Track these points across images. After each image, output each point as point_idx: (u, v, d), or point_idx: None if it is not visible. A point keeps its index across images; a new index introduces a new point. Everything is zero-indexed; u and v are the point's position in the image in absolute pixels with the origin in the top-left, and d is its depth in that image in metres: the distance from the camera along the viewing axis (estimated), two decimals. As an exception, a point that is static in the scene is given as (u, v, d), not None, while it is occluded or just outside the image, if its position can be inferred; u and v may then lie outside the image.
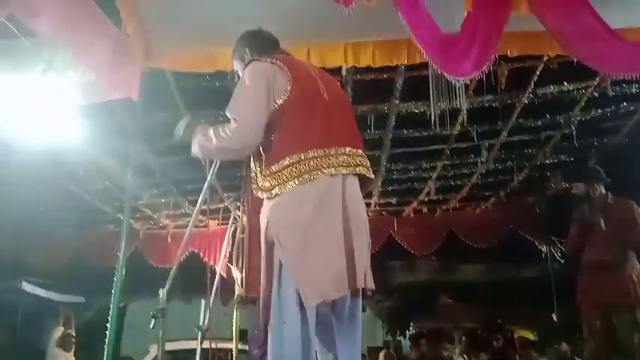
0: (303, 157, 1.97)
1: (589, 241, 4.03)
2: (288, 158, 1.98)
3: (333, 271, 1.91)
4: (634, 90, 4.94)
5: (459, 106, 4.02)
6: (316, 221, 1.93)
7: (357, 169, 2.06)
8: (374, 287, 2.06)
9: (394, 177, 7.00)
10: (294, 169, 1.96)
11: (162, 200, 7.41)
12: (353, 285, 1.94)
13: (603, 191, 4.22)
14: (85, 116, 4.16)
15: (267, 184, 2.01)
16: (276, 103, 2.05)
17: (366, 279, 1.99)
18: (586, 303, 3.94)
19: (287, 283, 1.91)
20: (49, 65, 3.15)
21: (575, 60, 3.65)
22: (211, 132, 2.12)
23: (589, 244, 4.03)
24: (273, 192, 1.99)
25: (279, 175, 1.98)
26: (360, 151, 2.13)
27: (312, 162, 1.97)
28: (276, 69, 2.09)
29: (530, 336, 6.11)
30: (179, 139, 2.22)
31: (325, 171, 1.96)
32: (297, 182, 1.95)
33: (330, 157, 1.99)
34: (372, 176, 2.16)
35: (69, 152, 5.23)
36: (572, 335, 5.52)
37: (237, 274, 3.45)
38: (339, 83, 2.44)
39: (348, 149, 2.06)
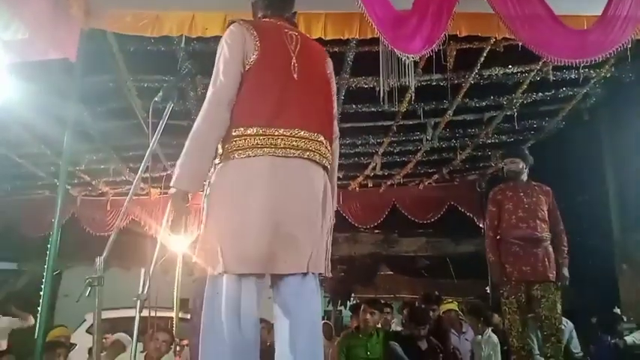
0: (243, 133, 1.95)
1: (513, 217, 4.19)
2: (234, 130, 1.96)
3: (258, 248, 1.88)
4: (573, 75, 5.16)
5: (407, 83, 4.05)
6: (247, 197, 1.90)
7: (307, 153, 1.99)
8: (322, 271, 2.04)
9: (341, 151, 6.95)
10: (234, 144, 1.95)
11: (102, 166, 7.15)
12: (279, 268, 1.92)
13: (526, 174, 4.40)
14: (19, 75, 3.92)
15: (219, 149, 2.01)
16: (245, 67, 2.02)
17: (297, 265, 1.94)
18: (512, 277, 4.08)
19: (214, 252, 1.91)
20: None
21: (520, 44, 3.75)
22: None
23: (514, 221, 4.18)
24: (219, 159, 2.00)
25: (225, 144, 1.98)
26: (320, 136, 2.05)
27: (251, 139, 1.94)
28: (247, 34, 2.05)
29: (455, 307, 6.36)
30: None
31: (265, 150, 1.93)
32: (237, 155, 1.94)
33: (272, 138, 1.95)
34: (325, 163, 2.09)
35: (1, 113, 4.94)
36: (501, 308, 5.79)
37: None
38: (325, 61, 2.29)
39: (302, 132, 2.00)
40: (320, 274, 2.07)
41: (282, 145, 1.95)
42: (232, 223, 1.90)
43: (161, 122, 2.23)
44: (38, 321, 3.70)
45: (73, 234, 7.13)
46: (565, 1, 3.68)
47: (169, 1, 3.68)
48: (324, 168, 2.10)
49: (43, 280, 3.76)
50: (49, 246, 3.79)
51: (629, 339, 5.28)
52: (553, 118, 6.29)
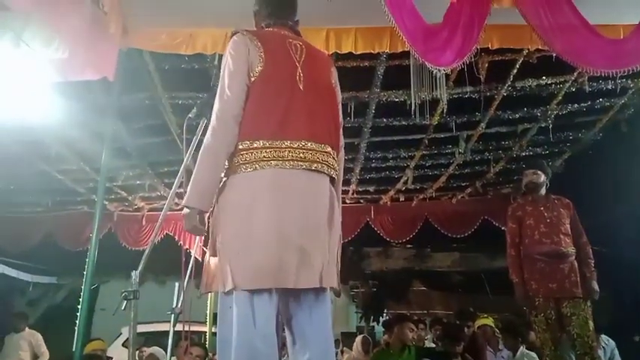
0: (250, 147, 1.93)
1: (535, 233, 4.08)
2: (240, 144, 1.95)
3: (268, 263, 1.85)
4: (610, 86, 5.03)
5: (439, 96, 4.03)
6: (254, 211, 1.88)
7: (314, 165, 1.97)
8: (334, 285, 2.00)
9: (372, 165, 7.03)
10: (241, 157, 1.93)
11: (138, 182, 7.30)
12: (290, 282, 1.87)
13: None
14: (59, 94, 4.06)
15: (226, 162, 1.99)
16: (251, 78, 2.00)
17: (311, 279, 1.91)
18: (538, 294, 3.95)
19: (223, 268, 1.90)
20: (21, 38, 3.05)
21: (554, 55, 3.69)
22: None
23: (537, 237, 4.07)
24: (222, 175, 1.97)
25: (231, 159, 1.96)
26: (327, 147, 2.03)
27: (259, 152, 1.92)
28: (252, 46, 2.03)
29: (491, 323, 6.21)
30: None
31: (272, 163, 1.91)
32: (243, 169, 1.92)
33: (281, 150, 1.92)
34: (333, 174, 2.06)
35: (42, 131, 5.12)
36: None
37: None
38: (330, 71, 2.27)
39: (309, 144, 1.97)
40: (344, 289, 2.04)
41: (289, 158, 1.93)
42: (240, 238, 1.88)
43: (195, 138, 2.27)
44: (76, 334, 3.78)
45: (109, 248, 7.27)
46: (600, 10, 3.60)
47: (203, 20, 3.76)
48: (332, 179, 2.06)
49: (81, 294, 3.84)
50: (87, 260, 3.88)
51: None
52: (589, 129, 6.14)
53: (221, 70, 2.07)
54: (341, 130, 2.24)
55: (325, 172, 2.01)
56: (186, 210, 1.93)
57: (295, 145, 1.95)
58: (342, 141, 2.23)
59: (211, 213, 2.02)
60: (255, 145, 1.93)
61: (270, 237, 1.87)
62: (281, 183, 1.92)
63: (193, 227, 1.93)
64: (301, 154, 1.95)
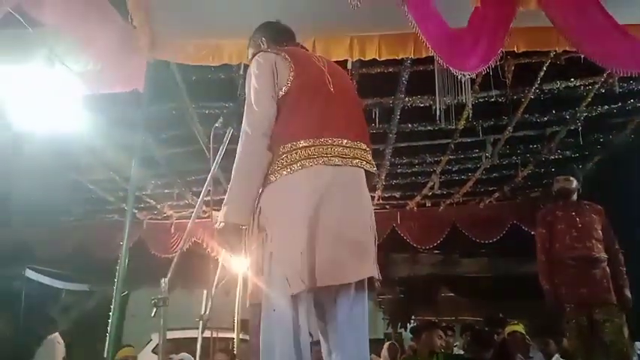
0: (295, 147, 1.97)
1: (567, 237, 4.02)
2: (281, 148, 1.98)
3: (320, 260, 1.88)
4: (641, 87, 4.92)
5: (464, 100, 4.01)
6: (302, 210, 1.90)
7: (354, 161, 2.03)
8: (379, 277, 2.03)
9: (398, 171, 7.00)
10: (285, 158, 1.96)
11: (166, 191, 7.43)
12: (346, 277, 1.92)
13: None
14: (89, 106, 4.17)
15: None
16: (279, 93, 2.06)
17: (365, 271, 1.96)
18: (570, 300, 3.90)
19: (275, 270, 1.91)
20: (53, 52, 3.15)
21: (582, 56, 3.63)
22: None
23: (568, 241, 4.01)
24: (267, 181, 1.99)
25: (272, 165, 1.99)
26: (362, 144, 2.08)
27: (303, 151, 1.96)
28: (279, 59, 2.10)
29: (521, 329, 6.10)
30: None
31: (316, 160, 1.95)
32: (287, 171, 1.94)
33: (323, 147, 1.97)
34: (373, 170, 2.12)
35: (74, 142, 5.25)
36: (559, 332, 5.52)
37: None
38: (348, 76, 2.42)
39: (345, 141, 2.03)
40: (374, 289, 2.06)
41: (333, 154, 1.98)
42: (296, 240, 1.89)
43: (222, 147, 2.30)
44: (107, 340, 3.85)
45: (139, 256, 7.38)
46: (628, 9, 3.53)
47: (228, 31, 3.81)
48: (371, 174, 2.13)
49: (112, 301, 3.91)
50: (117, 268, 3.95)
51: None
52: (621, 131, 6.00)
53: (246, 90, 2.13)
54: None
55: (365, 167, 2.08)
56: (221, 224, 1.97)
57: (336, 143, 2.01)
58: None
59: (257, 218, 2.03)
60: (300, 145, 1.97)
61: (330, 234, 1.90)
62: (327, 180, 1.95)
63: (228, 243, 1.98)
64: (344, 151, 2.01)
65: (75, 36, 3.32)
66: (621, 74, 3.72)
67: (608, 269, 3.93)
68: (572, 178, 4.18)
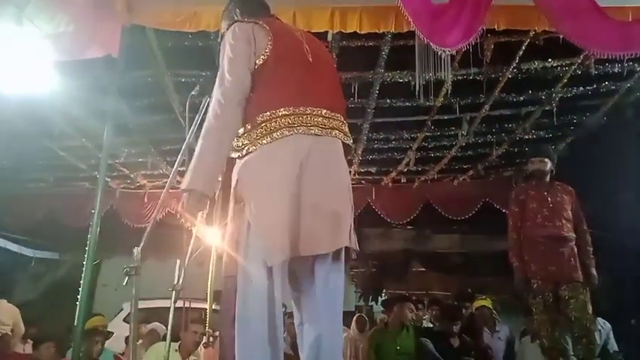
0: (274, 115, 1.94)
1: (538, 216, 4.10)
2: (259, 116, 1.96)
3: (299, 230, 1.88)
4: (616, 69, 4.98)
5: (443, 77, 4.00)
6: (282, 179, 1.90)
7: (333, 132, 2.03)
8: (356, 248, 2.04)
9: (375, 146, 7.01)
10: (265, 127, 1.94)
11: (140, 160, 7.31)
12: (324, 247, 1.93)
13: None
14: (62, 71, 4.04)
15: (239, 143, 1.99)
16: (257, 62, 2.02)
17: (342, 240, 1.97)
18: (538, 276, 3.99)
19: (253, 241, 1.91)
20: (22, 11, 3.02)
21: (560, 37, 3.65)
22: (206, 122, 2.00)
23: (539, 220, 4.09)
24: (244, 151, 1.97)
25: (250, 134, 1.96)
26: (339, 115, 2.09)
27: (282, 120, 1.94)
28: (257, 28, 2.06)
29: (488, 304, 6.27)
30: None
31: (296, 129, 1.93)
32: (266, 140, 1.93)
33: (303, 117, 1.96)
34: (350, 142, 2.13)
35: (45, 107, 5.10)
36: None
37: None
38: (326, 49, 2.40)
39: (324, 111, 2.02)
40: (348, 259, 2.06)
41: (313, 123, 1.97)
42: (281, 210, 1.87)
43: (197, 116, 2.27)
44: (78, 309, 3.82)
45: (111, 225, 7.31)
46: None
47: (206, -3, 3.73)
48: (348, 147, 2.13)
49: (83, 270, 3.87)
50: (89, 236, 3.90)
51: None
52: (594, 113, 6.10)
53: (220, 58, 2.08)
54: None
55: (342, 139, 2.08)
56: (186, 194, 1.92)
57: (316, 112, 2.00)
58: None
59: (233, 190, 2.01)
60: (280, 113, 1.95)
61: (300, 207, 1.89)
62: (307, 149, 1.94)
63: (194, 210, 1.93)
64: (323, 121, 2.01)
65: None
66: (598, 56, 3.75)
67: (575, 248, 4.04)
68: (547, 160, 4.25)
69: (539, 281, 4.01)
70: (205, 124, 1.97)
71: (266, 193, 1.92)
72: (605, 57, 3.69)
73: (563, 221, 4.07)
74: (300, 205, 1.89)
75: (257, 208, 1.92)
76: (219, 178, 2.05)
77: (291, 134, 1.93)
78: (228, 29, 2.13)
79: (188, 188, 1.91)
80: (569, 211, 4.13)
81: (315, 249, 1.92)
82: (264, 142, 1.93)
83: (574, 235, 4.08)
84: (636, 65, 4.97)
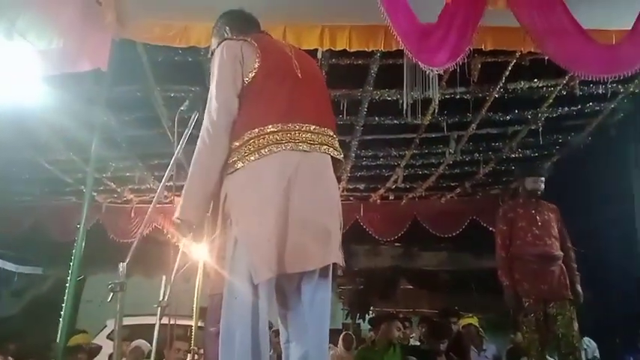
0: (262, 132, 1.94)
1: (528, 235, 4.11)
2: (248, 133, 1.95)
3: (287, 247, 1.87)
4: (600, 90, 5.08)
5: (431, 96, 4.05)
6: (270, 196, 1.89)
7: (322, 147, 2.02)
8: (343, 264, 2.02)
9: (363, 163, 7.04)
10: (253, 144, 1.93)
11: (127, 174, 7.26)
12: (313, 263, 1.92)
13: None
14: (51, 83, 4.02)
15: (228, 159, 1.98)
16: (245, 80, 2.02)
17: (330, 257, 1.96)
18: (531, 295, 3.99)
19: (240, 257, 1.89)
20: (14, 26, 3.01)
21: (546, 58, 3.72)
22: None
23: (529, 239, 4.10)
24: (233, 167, 1.96)
25: (239, 151, 1.96)
26: (328, 130, 2.07)
27: (271, 136, 1.93)
28: (245, 46, 2.06)
29: (475, 322, 6.26)
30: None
31: (284, 146, 1.93)
32: (255, 157, 1.92)
33: (291, 133, 1.96)
34: (340, 157, 2.11)
35: (33, 119, 5.07)
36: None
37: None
38: (316, 63, 2.40)
39: (313, 127, 2.01)
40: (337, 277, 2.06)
41: (301, 140, 1.97)
42: (268, 226, 1.87)
43: (186, 131, 2.26)
44: (60, 325, 3.75)
45: (97, 240, 7.21)
46: (593, 15, 3.63)
47: (198, 13, 3.74)
48: (338, 161, 2.12)
49: (67, 285, 3.81)
50: (74, 251, 3.85)
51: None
52: (579, 133, 6.19)
53: (210, 79, 2.09)
54: None
55: (332, 154, 2.07)
56: (178, 221, 1.97)
57: (304, 128, 2.00)
58: None
59: (221, 207, 2.01)
60: (268, 130, 1.95)
61: (289, 224, 1.89)
62: (295, 165, 1.94)
63: (186, 235, 1.99)
64: (312, 137, 2.00)
65: (38, 11, 3.19)
66: (582, 77, 3.82)
67: (563, 266, 4.07)
68: (542, 180, 4.28)
69: (530, 300, 4.00)
70: (195, 153, 1.99)
71: (253, 210, 1.91)
72: (590, 78, 3.75)
73: (553, 239, 4.10)
74: (288, 221, 1.88)
75: (244, 225, 1.91)
76: (210, 205, 2.04)
77: (279, 151, 1.92)
78: (217, 47, 2.14)
79: (179, 218, 1.96)
80: (556, 229, 4.16)
81: (304, 266, 1.91)
82: (252, 158, 1.92)
83: (562, 253, 4.10)
84: (620, 87, 5.08)
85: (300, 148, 1.96)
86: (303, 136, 1.98)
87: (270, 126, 1.95)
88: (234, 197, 1.96)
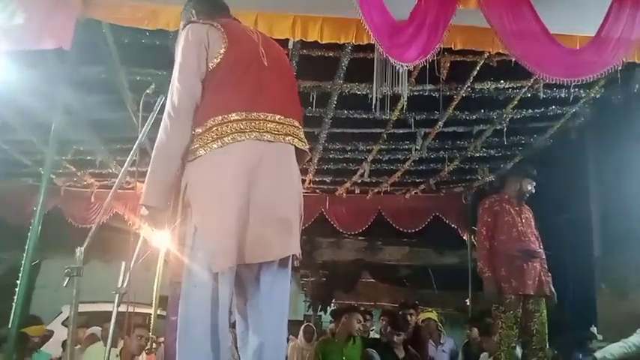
0: (225, 119, 1.92)
1: (514, 230, 4.16)
2: (211, 120, 1.93)
3: (247, 237, 1.87)
4: (563, 94, 5.21)
5: (400, 92, 4.07)
6: (232, 185, 1.87)
7: (287, 138, 2.01)
8: (299, 255, 2.03)
9: (331, 156, 7.05)
10: (215, 131, 1.91)
11: (88, 158, 7.06)
12: (272, 254, 1.92)
13: None
14: (10, 60, 3.87)
15: (190, 146, 1.95)
16: (210, 65, 1.99)
17: (290, 248, 1.97)
18: (517, 291, 4.02)
19: (199, 247, 1.88)
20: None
21: (513, 60, 3.79)
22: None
23: (515, 234, 4.15)
24: (194, 155, 1.94)
25: (201, 138, 1.93)
26: (294, 120, 2.07)
27: (234, 125, 1.92)
28: (212, 30, 2.02)
29: (434, 317, 6.39)
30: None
31: (247, 135, 1.91)
32: (217, 144, 1.90)
33: (255, 122, 1.94)
34: (305, 148, 2.10)
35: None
36: (482, 322, 5.83)
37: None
38: (284, 52, 2.36)
39: (278, 117, 1.99)
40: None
41: (265, 129, 1.95)
42: (228, 216, 1.85)
43: (151, 116, 2.21)
44: (13, 311, 3.64)
45: (54, 224, 7.02)
46: (559, 20, 3.72)
47: (167, -5, 3.67)
48: (303, 152, 2.11)
49: (21, 270, 3.69)
50: (29, 235, 3.74)
51: (598, 355, 5.32)
52: (541, 135, 6.35)
53: (177, 57, 2.05)
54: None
55: (297, 145, 2.06)
56: (144, 210, 1.94)
57: (269, 118, 1.98)
58: None
59: (182, 194, 1.97)
60: (232, 118, 1.93)
61: (248, 214, 1.87)
62: (258, 155, 1.92)
63: (156, 224, 1.97)
64: (276, 127, 1.98)
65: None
66: (547, 80, 3.90)
67: (543, 263, 4.19)
68: (534, 184, 4.36)
69: (512, 296, 4.03)
70: (158, 138, 1.96)
71: (213, 199, 1.89)
72: (554, 82, 3.84)
73: (533, 237, 4.21)
74: (248, 211, 1.88)
75: (204, 213, 1.90)
76: (172, 190, 2.01)
77: (243, 140, 1.91)
78: (182, 30, 2.10)
79: (142, 204, 1.93)
80: (534, 228, 4.26)
81: (264, 256, 1.91)
82: (215, 146, 1.90)
83: (542, 251, 4.20)
84: (582, 92, 5.23)
85: (264, 138, 1.94)
86: (268, 125, 1.96)
87: (233, 114, 1.93)
88: (194, 186, 1.94)
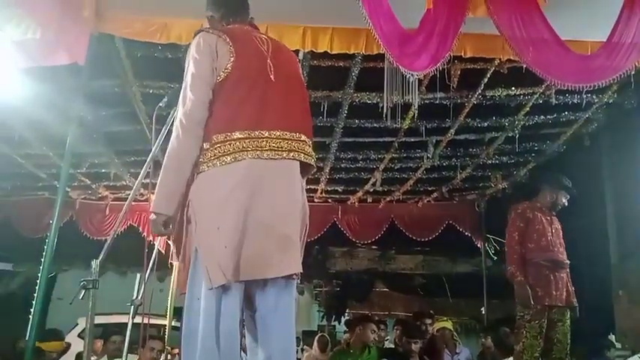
0: (228, 138, 1.93)
1: (543, 239, 4.07)
2: (215, 137, 1.94)
3: (245, 255, 1.87)
4: (576, 100, 5.17)
5: (410, 100, 4.07)
6: (233, 203, 1.88)
7: (291, 154, 2.00)
8: (300, 270, 2.03)
9: (342, 165, 7.05)
10: (219, 149, 1.93)
11: (103, 170, 7.14)
12: (272, 272, 1.93)
13: None
14: (28, 76, 3.94)
15: (198, 159, 1.98)
16: (217, 78, 2.00)
17: (290, 266, 1.96)
18: (543, 301, 3.92)
19: (200, 261, 1.90)
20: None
21: (524, 66, 3.77)
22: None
23: (544, 243, 4.06)
24: (198, 169, 1.96)
25: (206, 153, 1.95)
26: (300, 135, 2.05)
27: (237, 143, 1.92)
28: (220, 42, 2.03)
29: (449, 326, 6.33)
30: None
31: (248, 154, 1.92)
32: (219, 162, 1.91)
33: (258, 141, 1.94)
34: (311, 161, 2.09)
35: (6, 112, 4.95)
36: (497, 331, 5.77)
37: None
38: (295, 59, 2.35)
39: (282, 133, 1.99)
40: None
41: (267, 148, 1.95)
42: (222, 233, 1.87)
43: (164, 128, 2.24)
44: (30, 323, 3.68)
45: (70, 237, 7.10)
46: (570, 25, 3.70)
47: (179, 10, 3.71)
48: (309, 166, 2.10)
49: (38, 282, 3.74)
50: (45, 247, 3.78)
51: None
52: (554, 141, 6.30)
53: (184, 72, 2.06)
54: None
55: (302, 160, 2.05)
56: (153, 215, 1.94)
57: (273, 135, 1.97)
58: None
59: (185, 210, 1.99)
60: (235, 136, 1.93)
61: (258, 227, 1.89)
62: (259, 174, 1.93)
63: (160, 231, 1.95)
64: (279, 144, 1.98)
65: (15, 1, 3.13)
66: (559, 86, 3.88)
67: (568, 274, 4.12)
68: (569, 197, 4.31)
69: (538, 306, 3.94)
70: (169, 146, 1.98)
71: (212, 216, 1.91)
72: (566, 88, 3.82)
73: (561, 247, 4.13)
74: (249, 229, 1.89)
75: (203, 230, 1.92)
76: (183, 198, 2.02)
77: (243, 159, 1.91)
78: (193, 39, 2.11)
79: (152, 211, 1.94)
80: (562, 239, 4.20)
81: (262, 273, 1.92)
82: (218, 163, 1.92)
83: (569, 262, 4.14)
84: (594, 97, 5.18)
85: (266, 155, 1.94)
86: (271, 143, 1.96)
87: (237, 132, 1.94)
88: (196, 202, 1.96)
